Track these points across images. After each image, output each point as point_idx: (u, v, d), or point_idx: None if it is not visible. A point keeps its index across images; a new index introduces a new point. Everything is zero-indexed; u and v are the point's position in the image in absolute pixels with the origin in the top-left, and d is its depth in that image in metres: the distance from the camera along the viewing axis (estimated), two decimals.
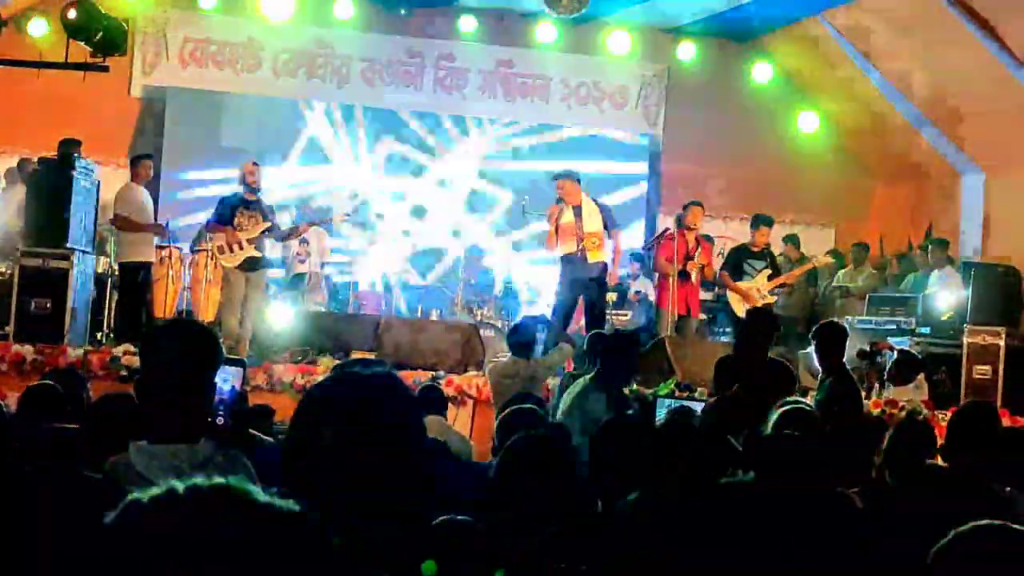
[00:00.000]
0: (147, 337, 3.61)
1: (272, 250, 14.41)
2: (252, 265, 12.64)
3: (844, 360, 8.95)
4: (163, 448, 3.27)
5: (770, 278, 13.63)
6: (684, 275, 12.91)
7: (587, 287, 12.23)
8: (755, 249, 13.88)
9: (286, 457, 2.23)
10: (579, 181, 12.36)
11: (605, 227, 12.25)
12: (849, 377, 8.93)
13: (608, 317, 14.46)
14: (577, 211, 12.16)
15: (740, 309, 13.43)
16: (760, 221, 14.06)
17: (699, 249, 13.16)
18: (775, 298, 13.83)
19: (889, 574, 2.55)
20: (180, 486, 1.29)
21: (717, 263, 14.16)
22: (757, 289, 13.55)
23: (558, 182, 12.37)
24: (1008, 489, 4.98)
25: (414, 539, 2.14)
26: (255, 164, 13.15)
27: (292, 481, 1.81)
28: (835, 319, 12.26)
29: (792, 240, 16.68)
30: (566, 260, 12.21)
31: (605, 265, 12.28)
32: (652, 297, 15.78)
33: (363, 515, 1.28)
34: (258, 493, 1.29)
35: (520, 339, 10.20)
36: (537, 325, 10.54)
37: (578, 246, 12.08)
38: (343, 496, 1.34)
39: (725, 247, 16.76)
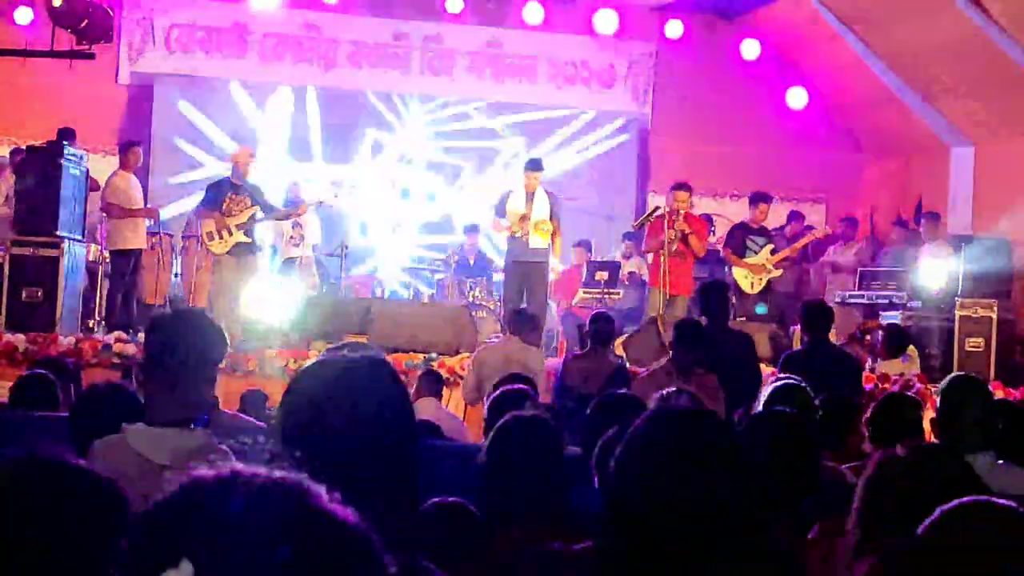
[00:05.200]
0: (158, 324, 3.65)
1: (264, 235, 14.42)
2: (242, 251, 12.64)
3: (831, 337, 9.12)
4: (162, 431, 3.31)
5: (773, 252, 13.68)
6: (676, 253, 12.90)
7: (529, 269, 12.73)
8: (754, 226, 13.95)
9: (275, 440, 2.24)
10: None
11: (551, 215, 12.74)
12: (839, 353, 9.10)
13: (601, 296, 14.49)
14: (530, 197, 12.71)
15: (747, 286, 13.47)
16: (759, 198, 14.11)
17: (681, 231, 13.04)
18: (781, 271, 13.84)
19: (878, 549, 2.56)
20: (245, 470, 1.29)
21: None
22: (764, 265, 13.59)
23: (535, 173, 12.85)
24: (1000, 462, 4.99)
25: (405, 522, 2.15)
26: (252, 155, 13.18)
27: (279, 464, 1.81)
28: (822, 297, 12.39)
29: (796, 217, 16.65)
30: (512, 241, 12.80)
31: (546, 250, 12.84)
32: (646, 277, 15.78)
33: (352, 498, 1.28)
34: (320, 496, 1.28)
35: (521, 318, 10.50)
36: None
37: (524, 231, 12.60)
38: (331, 479, 1.34)
39: (715, 224, 16.77)
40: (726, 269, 14.06)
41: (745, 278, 13.53)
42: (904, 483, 2.85)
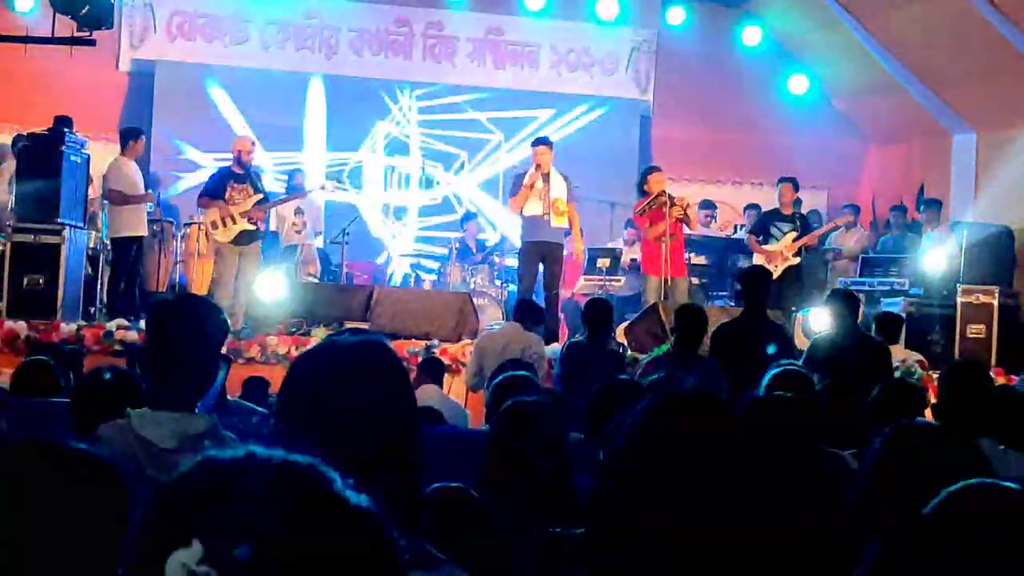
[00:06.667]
0: (160, 308, 3.66)
1: (266, 222, 14.44)
2: (245, 239, 12.65)
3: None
4: (166, 415, 3.32)
5: (795, 240, 13.61)
6: (669, 236, 12.84)
7: (548, 250, 12.54)
8: (785, 212, 13.88)
9: (275, 425, 2.23)
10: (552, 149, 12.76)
11: (568, 197, 12.59)
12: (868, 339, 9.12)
13: (603, 283, 14.50)
14: (546, 177, 12.50)
15: None
16: (782, 180, 14.06)
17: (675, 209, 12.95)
18: (799, 259, 13.75)
19: (881, 533, 2.56)
20: (260, 452, 1.28)
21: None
22: (781, 252, 13.53)
23: (539, 148, 12.64)
24: (1001, 447, 5.00)
25: (406, 507, 2.14)
26: (253, 143, 13.18)
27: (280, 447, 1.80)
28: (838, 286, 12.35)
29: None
30: (531, 222, 12.53)
31: (565, 232, 12.75)
32: None
33: (353, 483, 1.28)
34: (335, 480, 1.28)
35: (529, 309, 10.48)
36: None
37: (544, 210, 12.39)
38: (331, 463, 1.33)
39: (718, 212, 16.77)
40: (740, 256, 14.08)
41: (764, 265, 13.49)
42: (914, 460, 2.86)
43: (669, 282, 12.61)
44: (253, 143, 13.23)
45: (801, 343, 11.83)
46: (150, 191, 13.98)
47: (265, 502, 1.21)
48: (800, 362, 8.91)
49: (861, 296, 14.06)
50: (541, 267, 12.62)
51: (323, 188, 14.92)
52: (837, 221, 15.11)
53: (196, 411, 3.41)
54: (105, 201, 13.48)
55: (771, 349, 9.11)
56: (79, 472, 1.82)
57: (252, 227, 12.72)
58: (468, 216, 16.51)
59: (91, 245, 13.14)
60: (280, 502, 1.22)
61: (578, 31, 18.18)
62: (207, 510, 1.21)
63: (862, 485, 3.01)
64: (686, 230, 13.40)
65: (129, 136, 13.59)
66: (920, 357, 11.50)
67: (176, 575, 1.18)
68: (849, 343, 8.61)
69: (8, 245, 11.81)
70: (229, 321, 11.88)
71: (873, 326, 11.51)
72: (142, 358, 3.67)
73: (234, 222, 12.58)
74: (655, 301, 12.32)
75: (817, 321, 11.92)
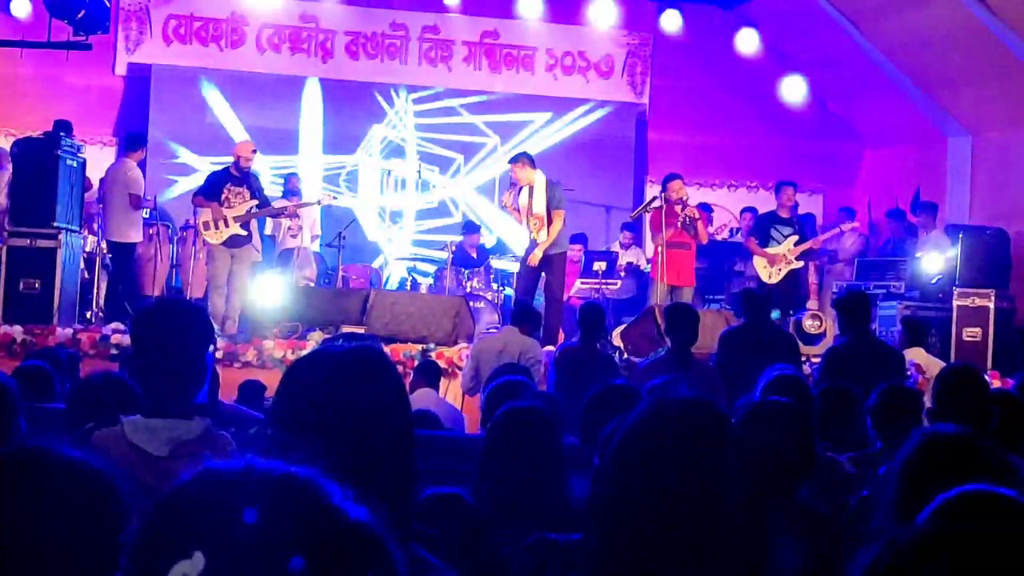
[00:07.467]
0: (140, 315, 3.64)
1: (262, 225, 14.45)
2: (236, 242, 12.65)
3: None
4: (158, 422, 3.30)
5: (797, 243, 13.58)
6: (679, 244, 12.83)
7: (544, 260, 12.35)
8: (783, 215, 13.85)
9: (272, 433, 2.23)
10: (531, 162, 12.49)
11: (548, 206, 12.31)
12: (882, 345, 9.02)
13: (599, 286, 14.51)
14: (530, 191, 12.35)
15: (766, 276, 13.41)
16: (784, 183, 14.05)
17: (689, 217, 12.94)
18: (802, 263, 13.73)
19: (878, 538, 2.56)
20: (259, 464, 1.28)
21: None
22: (784, 255, 13.50)
23: (512, 167, 12.56)
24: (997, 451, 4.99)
25: (402, 512, 2.14)
26: (254, 149, 13.12)
27: (276, 455, 1.80)
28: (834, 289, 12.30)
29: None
30: (529, 234, 12.46)
31: (552, 246, 12.36)
32: (645, 267, 15.73)
33: (352, 494, 1.28)
34: (334, 493, 1.28)
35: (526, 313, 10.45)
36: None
37: (524, 225, 12.41)
38: (326, 470, 1.33)
39: (714, 215, 16.76)
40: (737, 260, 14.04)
41: (764, 268, 13.48)
42: (945, 467, 2.85)
43: (673, 290, 12.62)
44: (254, 150, 13.16)
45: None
46: (149, 198, 14.02)
47: (265, 514, 1.21)
48: (818, 371, 8.88)
49: None
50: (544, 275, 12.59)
51: (319, 203, 14.90)
52: (843, 227, 15.06)
53: (189, 414, 3.39)
54: (100, 204, 13.50)
55: (776, 313, 8.96)
56: (73, 480, 1.81)
57: (243, 232, 12.71)
58: (470, 228, 16.31)
59: (87, 249, 13.15)
60: (279, 514, 1.21)
61: (574, 35, 18.19)
62: (207, 522, 1.21)
63: (893, 489, 2.99)
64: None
65: (140, 143, 13.67)
66: (941, 363, 11.41)
67: None
68: (864, 349, 8.44)
69: (4, 249, 11.81)
70: (224, 325, 11.85)
71: (900, 328, 11.46)
72: (131, 364, 3.65)
73: (227, 225, 12.59)
74: (651, 304, 12.33)
75: (812, 324, 11.92)
